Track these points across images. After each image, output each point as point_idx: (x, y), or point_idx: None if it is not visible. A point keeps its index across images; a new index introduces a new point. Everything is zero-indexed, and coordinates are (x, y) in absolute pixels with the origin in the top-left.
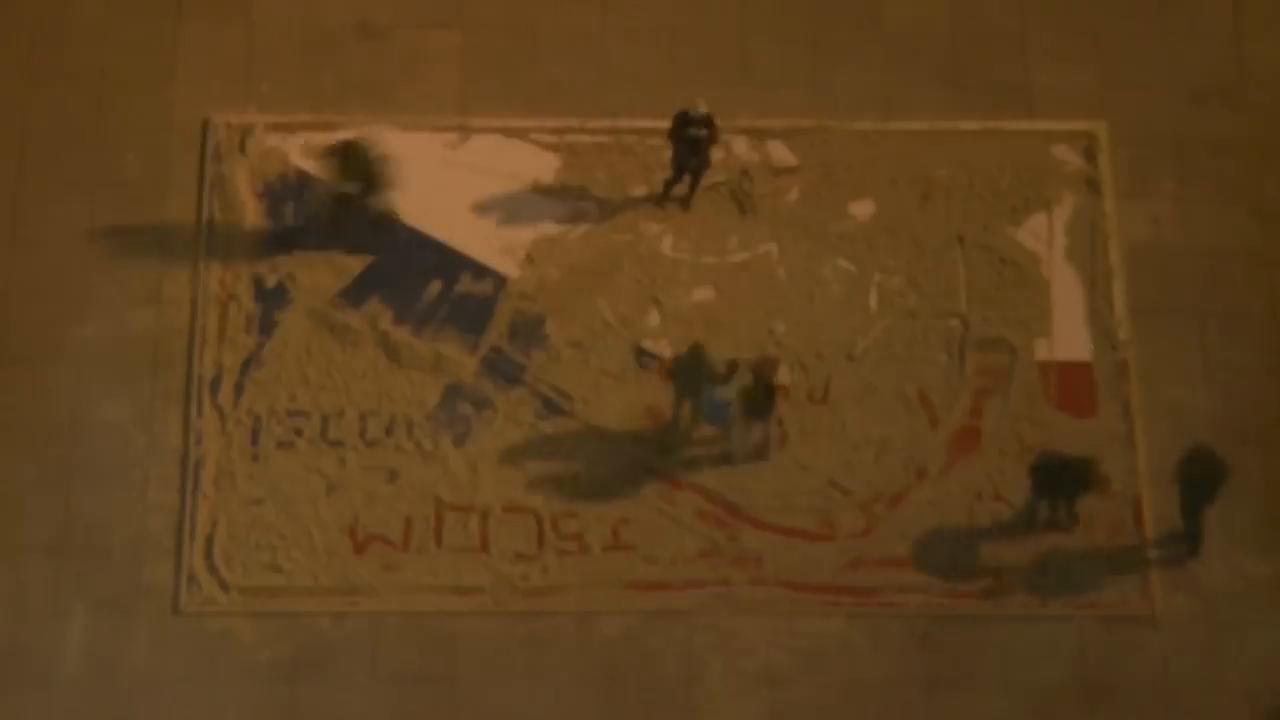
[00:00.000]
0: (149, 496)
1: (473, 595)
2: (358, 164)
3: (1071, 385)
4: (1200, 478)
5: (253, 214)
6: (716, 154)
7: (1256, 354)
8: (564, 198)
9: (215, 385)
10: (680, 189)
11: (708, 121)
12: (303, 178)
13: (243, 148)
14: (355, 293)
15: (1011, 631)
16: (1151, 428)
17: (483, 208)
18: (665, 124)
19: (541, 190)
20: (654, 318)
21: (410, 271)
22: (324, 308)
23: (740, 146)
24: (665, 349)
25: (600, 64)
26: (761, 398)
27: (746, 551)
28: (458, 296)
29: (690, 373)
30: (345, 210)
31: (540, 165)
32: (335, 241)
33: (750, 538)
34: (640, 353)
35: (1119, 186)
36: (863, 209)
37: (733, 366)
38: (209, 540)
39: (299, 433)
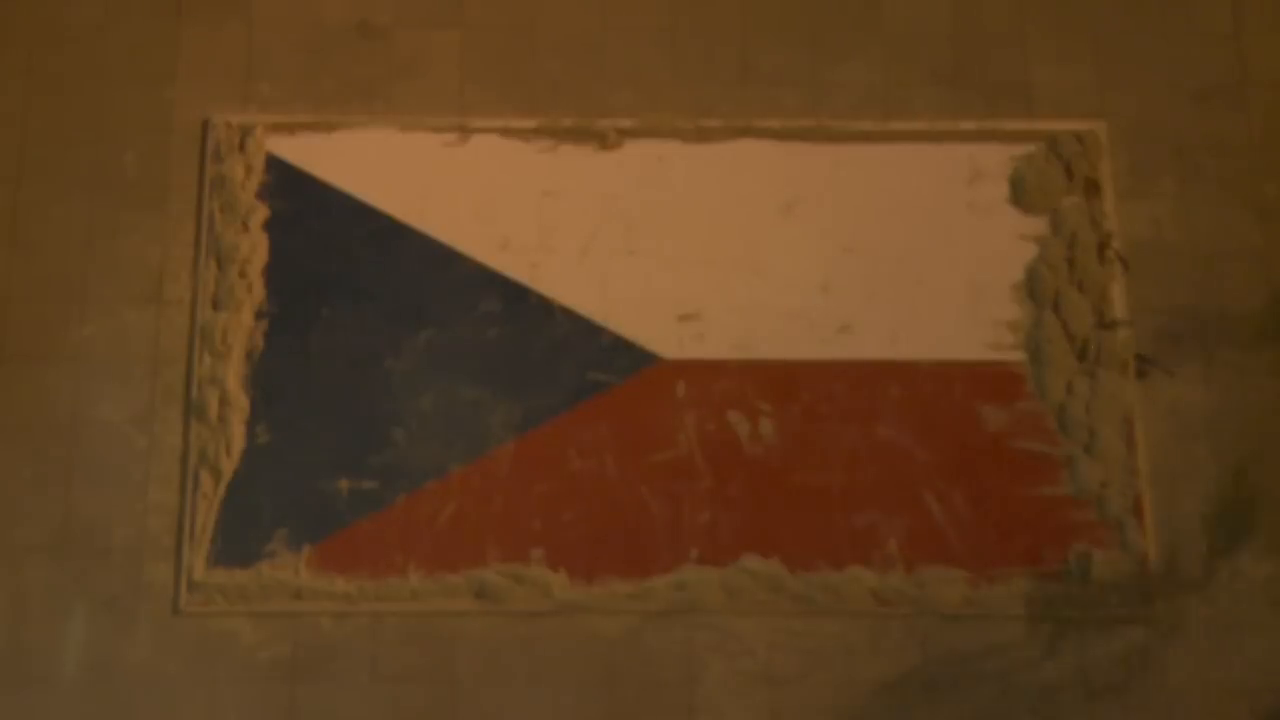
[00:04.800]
0: (149, 496)
1: (473, 596)
2: None
3: None
4: None
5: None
6: None
7: (1256, 354)
8: (565, 197)
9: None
10: None
11: None
12: (302, 178)
13: (242, 148)
14: None
15: (1011, 631)
16: (1151, 428)
17: (483, 208)
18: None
19: (542, 190)
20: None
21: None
22: None
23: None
24: (667, 350)
25: (600, 64)
26: None
27: None
28: None
29: None
30: None
31: (540, 165)
32: None
33: None
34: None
35: (1119, 186)
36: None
37: None
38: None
39: None
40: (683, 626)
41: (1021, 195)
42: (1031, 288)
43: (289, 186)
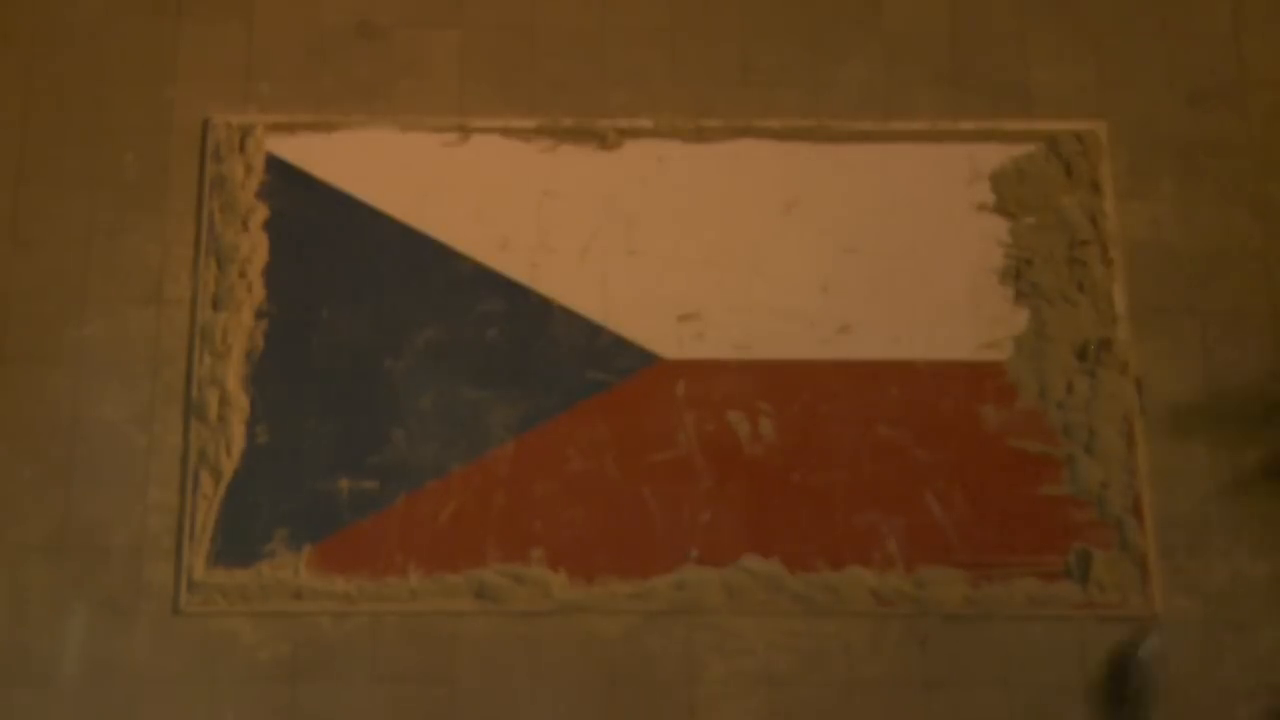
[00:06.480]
0: (149, 496)
1: (473, 596)
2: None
3: None
4: None
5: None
6: None
7: (1256, 354)
8: (565, 198)
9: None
10: None
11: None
12: (302, 178)
13: (242, 148)
14: None
15: (1011, 631)
16: (1151, 428)
17: (483, 208)
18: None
19: (542, 190)
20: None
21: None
22: None
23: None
24: (667, 350)
25: (600, 64)
26: None
27: None
28: None
29: None
30: None
31: (540, 165)
32: None
33: None
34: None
35: (1119, 186)
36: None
37: None
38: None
39: None
40: (683, 626)
41: (1020, 195)
42: (1032, 287)
43: (289, 186)
